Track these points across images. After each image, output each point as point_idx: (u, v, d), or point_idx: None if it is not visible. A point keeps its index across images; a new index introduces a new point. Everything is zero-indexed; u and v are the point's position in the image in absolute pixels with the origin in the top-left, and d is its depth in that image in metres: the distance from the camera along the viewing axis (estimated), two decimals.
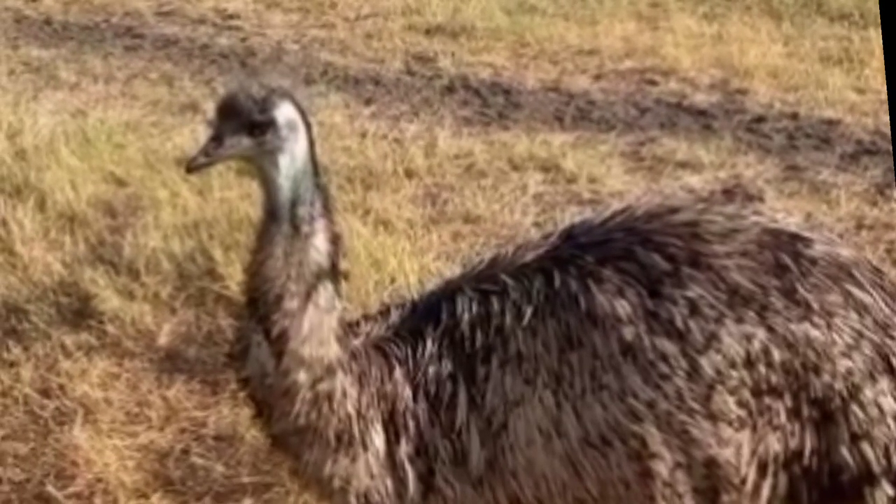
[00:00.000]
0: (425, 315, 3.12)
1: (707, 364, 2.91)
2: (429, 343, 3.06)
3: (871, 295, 3.02)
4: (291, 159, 2.97)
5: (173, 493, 4.43)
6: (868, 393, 2.97)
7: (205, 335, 5.25)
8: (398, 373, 3.06)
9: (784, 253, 2.99)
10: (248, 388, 3.10)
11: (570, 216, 3.27)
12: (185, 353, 5.16)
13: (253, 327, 3.01)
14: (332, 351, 3.02)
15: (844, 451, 2.97)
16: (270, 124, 2.95)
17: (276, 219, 2.98)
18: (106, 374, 5.02)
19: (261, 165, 3.00)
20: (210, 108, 7.50)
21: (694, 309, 2.92)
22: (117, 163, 6.68)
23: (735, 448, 2.92)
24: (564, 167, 6.61)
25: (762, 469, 2.95)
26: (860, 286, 3.01)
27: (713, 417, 2.90)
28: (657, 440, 2.91)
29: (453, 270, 3.58)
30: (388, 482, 3.06)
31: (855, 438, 2.97)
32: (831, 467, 2.98)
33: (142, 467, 4.53)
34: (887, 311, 3.03)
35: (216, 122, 3.02)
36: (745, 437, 2.92)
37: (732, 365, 2.91)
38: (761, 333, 2.93)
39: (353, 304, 5.12)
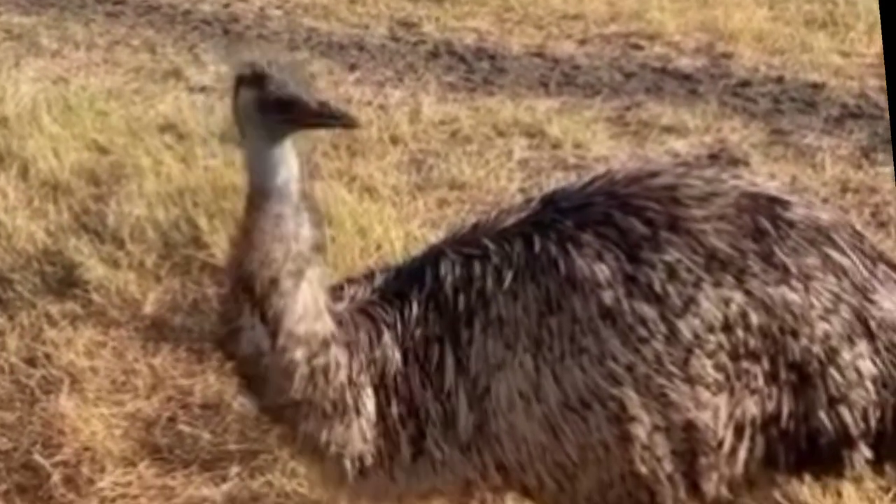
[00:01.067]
0: (410, 278, 3.12)
1: (685, 328, 2.91)
2: (415, 306, 3.06)
3: (850, 258, 3.02)
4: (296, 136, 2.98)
5: (160, 461, 4.44)
6: (846, 356, 2.98)
7: (190, 303, 5.25)
8: (387, 336, 3.06)
9: (762, 216, 3.00)
10: (240, 368, 3.09)
11: (555, 182, 3.27)
12: (171, 321, 5.16)
13: (246, 310, 2.99)
14: (327, 325, 3.02)
15: (822, 415, 2.98)
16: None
17: (277, 198, 2.96)
18: (92, 342, 5.01)
19: (272, 141, 2.96)
20: (194, 74, 7.52)
21: (672, 273, 2.93)
22: (100, 130, 6.65)
23: (713, 411, 2.93)
24: (549, 133, 6.61)
25: (739, 432, 2.97)
26: (839, 249, 3.02)
27: (691, 381, 2.92)
28: (636, 403, 2.92)
29: (439, 237, 3.58)
30: (382, 445, 3.07)
31: (833, 402, 2.98)
32: (809, 430, 2.99)
33: (128, 435, 4.54)
34: (866, 273, 3.03)
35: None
36: (722, 400, 2.93)
37: (710, 329, 2.92)
38: (739, 297, 2.94)
39: (339, 271, 5.13)
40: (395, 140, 6.62)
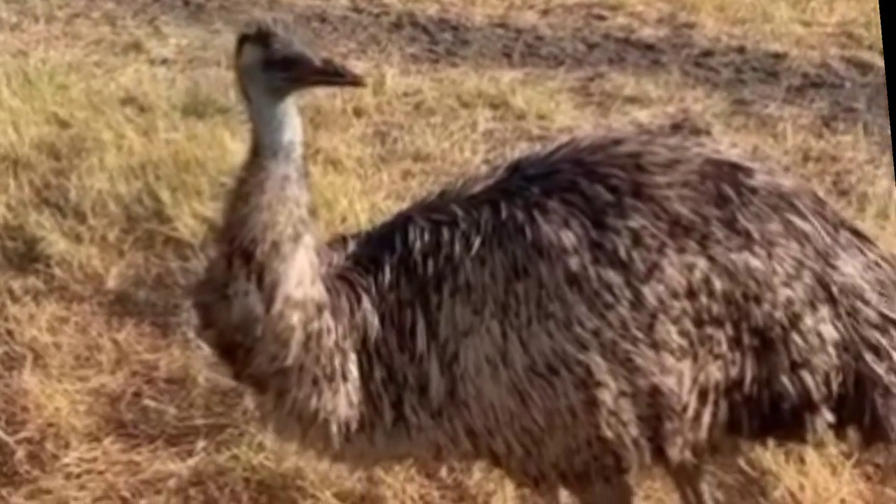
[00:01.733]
0: (381, 244, 3.11)
1: (650, 293, 2.93)
2: (387, 271, 3.06)
3: (812, 224, 3.04)
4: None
5: (126, 436, 4.42)
6: (808, 321, 3.00)
7: (154, 278, 5.23)
8: (366, 301, 3.06)
9: (725, 183, 3.01)
10: (225, 336, 3.05)
11: (520, 152, 3.28)
12: (135, 295, 5.13)
13: (241, 275, 2.96)
14: (321, 290, 3.01)
15: (785, 380, 3.01)
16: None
17: (283, 158, 2.92)
18: (55, 318, 4.98)
19: (277, 101, 2.94)
20: (155, 46, 7.45)
21: (637, 239, 2.94)
22: (60, 104, 6.59)
23: (677, 376, 2.95)
24: (513, 104, 6.60)
25: (703, 397, 2.99)
26: (801, 215, 3.03)
27: (656, 346, 2.93)
28: (602, 369, 2.93)
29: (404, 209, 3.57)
30: (366, 410, 3.07)
31: (795, 367, 3.00)
32: (772, 395, 3.01)
33: (93, 411, 4.52)
34: (828, 239, 3.05)
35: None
36: (686, 365, 2.95)
37: (674, 295, 2.94)
38: (702, 263, 2.95)
39: None
40: (358, 112, 6.59)
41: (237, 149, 5.44)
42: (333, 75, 2.93)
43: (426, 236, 3.06)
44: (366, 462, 3.32)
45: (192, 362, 4.63)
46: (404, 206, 3.49)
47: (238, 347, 3.05)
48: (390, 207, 5.27)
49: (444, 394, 3.02)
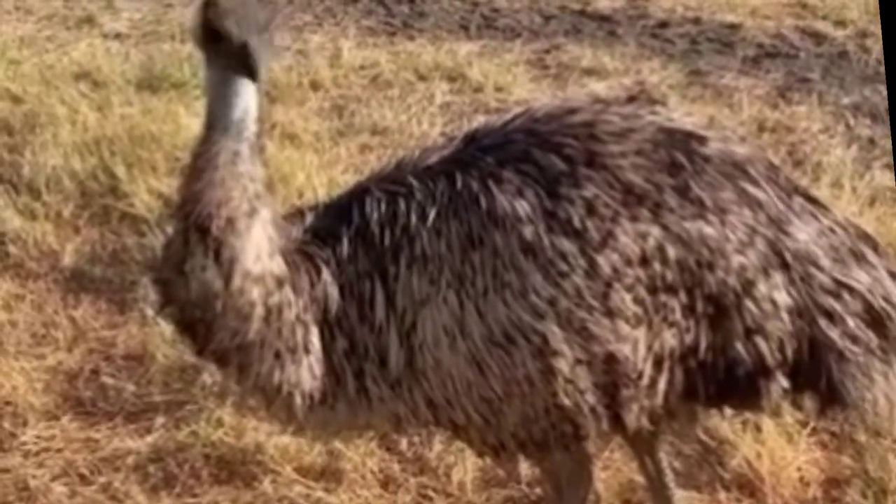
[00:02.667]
0: (338, 216, 3.10)
1: (604, 262, 2.93)
2: (345, 243, 3.05)
3: (766, 191, 3.05)
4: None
5: (84, 414, 4.39)
6: (762, 288, 3.01)
7: (110, 254, 5.19)
8: (325, 273, 3.04)
9: (678, 151, 3.02)
10: (184, 312, 3.03)
11: (476, 123, 3.28)
12: (91, 272, 5.09)
13: (198, 251, 2.93)
14: (280, 262, 2.99)
15: (739, 346, 3.02)
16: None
17: (234, 134, 2.89)
18: (10, 295, 4.93)
19: (225, 74, 2.88)
20: (108, 20, 7.36)
21: (590, 208, 2.94)
22: (13, 79, 6.51)
23: (632, 344, 2.96)
24: (471, 76, 6.60)
25: (658, 364, 3.00)
26: (754, 183, 3.05)
27: (611, 314, 2.94)
28: (558, 337, 2.94)
29: None
30: (329, 381, 3.07)
31: (749, 333, 3.02)
32: (726, 362, 3.03)
33: (51, 389, 4.49)
34: (781, 206, 3.06)
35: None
36: (641, 333, 2.96)
37: (628, 263, 2.94)
38: (656, 231, 2.96)
39: None
40: (315, 86, 6.56)
41: (192, 123, 5.40)
42: (240, 64, 2.85)
43: (383, 207, 3.05)
44: (328, 432, 3.33)
45: (150, 338, 4.61)
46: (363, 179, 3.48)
47: (198, 324, 3.03)
48: (348, 181, 5.21)
49: (403, 364, 3.03)
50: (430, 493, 3.98)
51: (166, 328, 4.31)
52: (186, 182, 2.98)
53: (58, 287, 5.01)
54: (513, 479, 3.95)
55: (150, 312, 4.63)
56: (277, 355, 3.03)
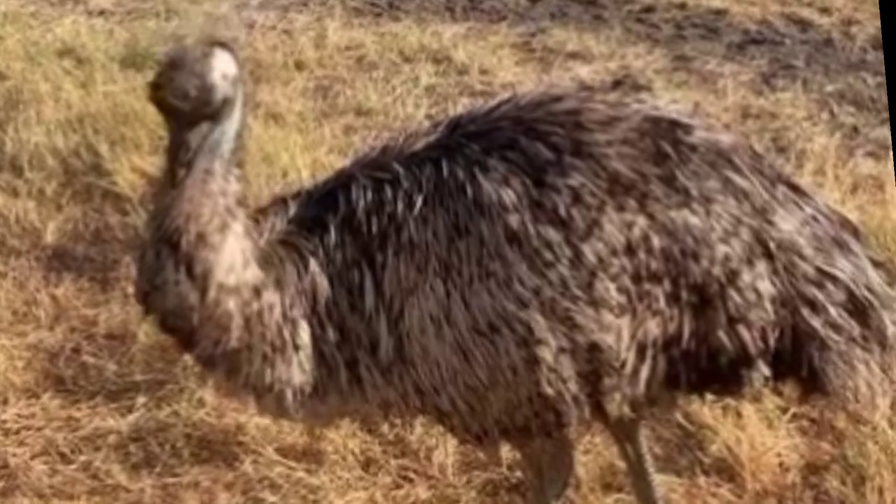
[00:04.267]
0: (323, 204, 3.09)
1: (589, 251, 2.94)
2: (332, 231, 3.04)
3: (750, 180, 3.05)
4: (242, 104, 2.95)
5: (64, 392, 4.39)
6: (745, 277, 3.02)
7: (93, 232, 5.18)
8: (313, 264, 3.04)
9: (664, 140, 3.02)
10: (166, 322, 3.04)
11: (462, 108, 3.28)
12: (73, 250, 5.08)
13: (169, 265, 2.94)
14: (255, 271, 3.00)
15: (722, 335, 3.03)
16: (225, 101, 2.92)
17: (208, 155, 2.91)
18: None
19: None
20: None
21: (576, 197, 2.94)
22: None
23: (616, 333, 2.97)
24: (456, 59, 6.59)
25: (641, 353, 3.01)
26: (739, 172, 3.05)
27: (595, 304, 2.95)
28: (542, 326, 2.95)
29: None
30: (320, 373, 3.07)
31: (732, 322, 3.03)
32: (709, 350, 3.04)
33: (32, 367, 4.48)
34: (766, 196, 3.07)
35: (170, 124, 2.92)
36: (625, 322, 2.97)
37: (613, 252, 2.95)
38: (641, 221, 2.96)
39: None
40: (300, 66, 6.54)
41: None
42: (205, 118, 2.91)
43: (369, 195, 3.04)
44: (319, 421, 3.34)
45: (132, 318, 4.59)
46: (346, 161, 3.47)
47: (179, 332, 3.05)
48: (332, 162, 5.24)
49: (392, 352, 3.03)
50: (411, 475, 3.99)
51: None
52: (157, 193, 3.00)
53: (39, 265, 4.99)
54: (494, 462, 3.97)
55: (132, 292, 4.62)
56: (265, 357, 3.05)
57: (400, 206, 3.01)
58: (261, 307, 3.01)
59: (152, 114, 5.57)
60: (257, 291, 3.00)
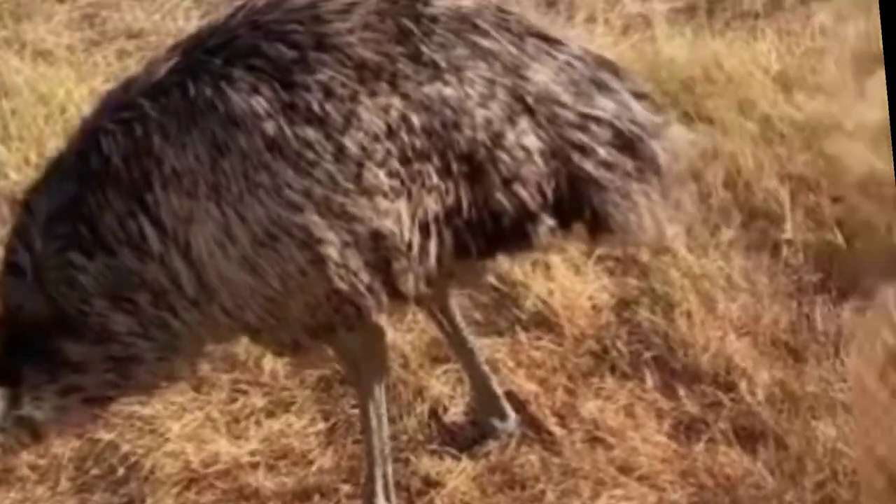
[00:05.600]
0: (77, 173, 3.03)
1: (351, 143, 2.93)
2: (90, 199, 2.99)
3: (497, 40, 3.06)
4: None
5: None
6: (510, 137, 3.05)
7: None
8: (78, 257, 3.02)
9: (404, 17, 3.00)
10: None
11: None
12: None
13: None
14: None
15: (500, 197, 3.07)
16: None
17: None
18: None
19: None
20: None
21: (328, 92, 2.92)
22: None
23: (395, 217, 2.99)
24: None
25: (425, 231, 3.04)
26: (484, 34, 3.05)
27: (368, 192, 2.95)
28: (321, 226, 2.94)
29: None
30: (161, 343, 3.12)
31: (507, 183, 3.06)
32: (491, 214, 3.08)
33: None
34: (515, 52, 3.08)
35: None
36: (402, 204, 2.99)
37: (375, 138, 2.94)
38: (396, 102, 2.96)
39: (26, 143, 4.95)
40: None
41: None
42: None
43: (120, 140, 2.98)
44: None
45: None
46: (90, 107, 3.36)
47: None
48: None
49: (194, 283, 3.02)
50: (244, 387, 4.00)
51: None
52: None
53: None
54: (322, 359, 4.00)
55: None
56: (108, 369, 3.13)
57: (155, 139, 2.95)
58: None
59: None
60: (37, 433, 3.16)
